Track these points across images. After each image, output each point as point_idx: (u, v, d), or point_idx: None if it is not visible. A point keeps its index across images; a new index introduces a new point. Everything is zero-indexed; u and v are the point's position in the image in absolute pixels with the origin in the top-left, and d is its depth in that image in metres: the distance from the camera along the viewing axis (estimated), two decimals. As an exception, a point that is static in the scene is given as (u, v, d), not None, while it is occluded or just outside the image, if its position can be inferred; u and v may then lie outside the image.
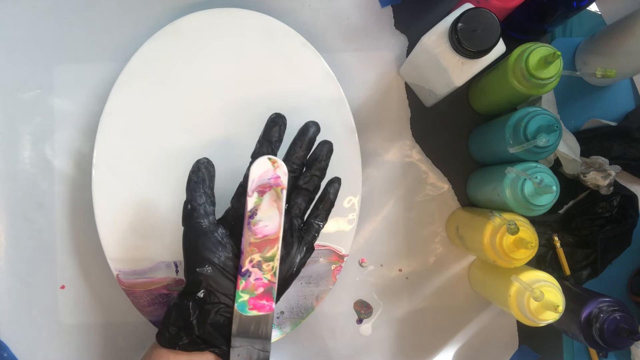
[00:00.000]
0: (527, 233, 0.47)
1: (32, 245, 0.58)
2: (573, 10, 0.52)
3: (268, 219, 0.45)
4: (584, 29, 0.62)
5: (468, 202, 0.60)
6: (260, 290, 0.45)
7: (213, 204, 0.47)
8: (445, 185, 0.60)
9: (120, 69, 0.55)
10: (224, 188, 0.56)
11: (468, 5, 0.46)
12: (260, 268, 0.45)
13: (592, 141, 0.59)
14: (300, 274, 0.55)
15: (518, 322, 0.60)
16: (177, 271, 0.55)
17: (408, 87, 0.60)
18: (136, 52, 0.55)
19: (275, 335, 0.55)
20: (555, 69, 0.46)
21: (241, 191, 0.48)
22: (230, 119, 0.56)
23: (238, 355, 0.44)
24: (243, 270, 0.45)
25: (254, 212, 0.45)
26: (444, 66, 0.48)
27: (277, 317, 0.56)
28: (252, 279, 0.45)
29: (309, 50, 0.56)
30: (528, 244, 0.46)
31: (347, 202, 0.56)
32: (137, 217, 0.55)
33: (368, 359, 0.59)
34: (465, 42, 0.46)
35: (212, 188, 0.48)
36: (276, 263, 0.45)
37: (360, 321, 0.59)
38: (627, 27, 0.53)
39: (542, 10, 0.53)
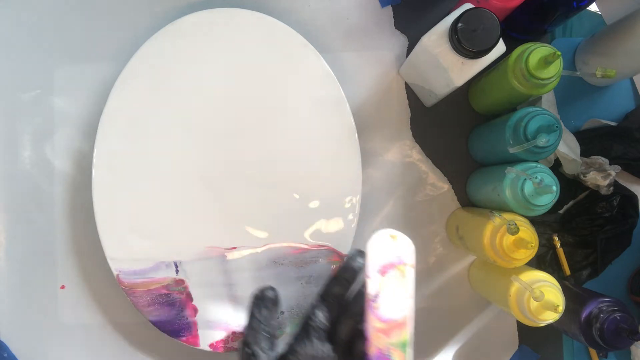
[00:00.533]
0: (527, 233, 0.47)
1: (32, 245, 0.58)
2: (573, 10, 0.52)
3: (394, 301, 0.41)
4: (584, 29, 0.62)
5: (468, 202, 0.60)
6: None
7: (275, 344, 0.43)
8: (445, 185, 0.60)
9: (120, 69, 0.55)
10: (223, 188, 0.56)
11: (468, 5, 0.46)
12: (389, 355, 0.41)
13: (592, 141, 0.59)
14: (300, 274, 0.56)
15: (518, 322, 0.60)
16: (177, 271, 0.55)
17: (408, 87, 0.60)
18: (136, 52, 0.55)
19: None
20: (555, 69, 0.46)
21: (304, 335, 0.43)
22: (230, 118, 0.56)
23: None
24: (370, 357, 0.41)
25: (376, 296, 0.41)
26: (444, 66, 0.48)
27: (277, 317, 0.55)
28: None
29: (309, 50, 0.56)
30: (528, 244, 0.46)
31: (347, 202, 0.56)
32: (137, 217, 0.55)
33: (368, 359, 0.59)
34: (465, 42, 0.46)
35: (275, 327, 0.43)
36: (408, 349, 0.41)
37: (360, 321, 0.59)
38: (627, 27, 0.53)
39: (542, 10, 0.53)
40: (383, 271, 0.42)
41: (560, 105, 0.60)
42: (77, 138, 0.58)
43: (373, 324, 0.41)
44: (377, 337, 0.41)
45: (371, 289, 0.41)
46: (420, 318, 0.59)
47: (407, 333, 0.41)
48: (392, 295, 0.41)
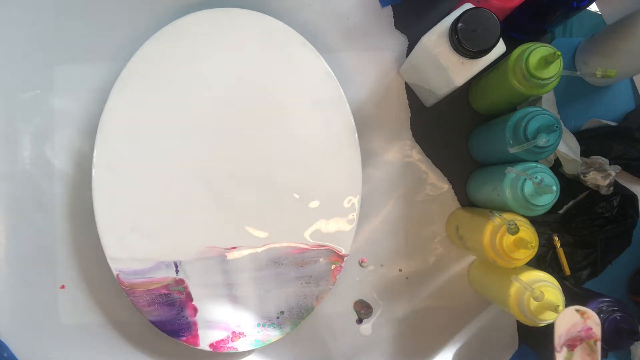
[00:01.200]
0: (527, 233, 0.47)
1: (32, 245, 0.58)
2: (573, 10, 0.52)
3: None
4: (584, 29, 0.62)
5: (468, 202, 0.60)
6: None
7: None
8: (445, 185, 0.60)
9: (120, 69, 0.55)
10: (223, 187, 0.56)
11: (468, 5, 0.46)
12: None
13: (592, 141, 0.59)
14: (300, 274, 0.56)
15: (518, 322, 0.60)
16: (177, 271, 0.55)
17: (408, 87, 0.60)
18: (136, 52, 0.55)
19: (275, 335, 0.55)
20: (555, 69, 0.46)
21: None
22: (230, 118, 0.56)
23: None
24: None
25: None
26: (444, 66, 0.48)
27: (277, 317, 0.56)
28: None
29: (309, 50, 0.56)
30: (528, 244, 0.46)
31: (347, 202, 0.56)
32: (137, 217, 0.55)
33: (368, 359, 0.59)
34: (465, 42, 0.46)
35: None
36: None
37: (360, 321, 0.59)
38: (627, 27, 0.53)
39: (542, 10, 0.53)
40: (571, 345, 0.44)
41: (560, 105, 0.60)
42: (77, 138, 0.58)
43: None
44: None
45: None
46: (421, 318, 0.59)
47: None
48: None
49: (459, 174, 0.60)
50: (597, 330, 0.43)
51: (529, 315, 0.46)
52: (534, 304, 0.46)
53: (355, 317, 0.59)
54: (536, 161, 0.49)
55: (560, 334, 0.44)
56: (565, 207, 0.60)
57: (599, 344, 0.43)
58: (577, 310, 0.44)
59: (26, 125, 0.58)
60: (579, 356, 0.43)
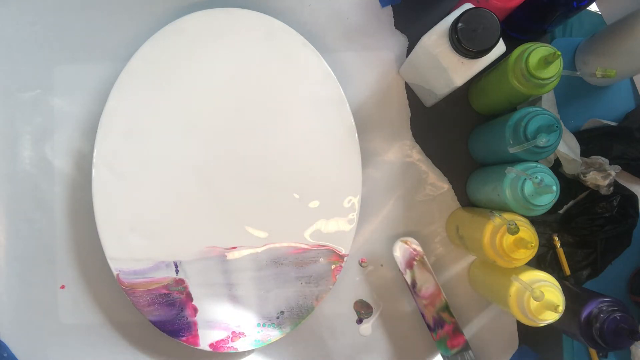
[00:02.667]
0: (527, 233, 0.47)
1: (32, 245, 0.58)
2: (573, 10, 0.52)
3: (426, 281, 0.57)
4: (584, 29, 0.62)
5: (468, 202, 0.60)
6: (450, 331, 0.57)
7: None
8: (445, 185, 0.60)
9: (120, 69, 0.55)
10: (223, 187, 0.56)
11: (468, 5, 0.46)
12: (440, 317, 0.57)
13: (592, 141, 0.59)
14: (300, 274, 0.56)
15: (518, 322, 0.60)
16: (177, 271, 0.55)
17: (408, 87, 0.60)
18: (136, 52, 0.55)
19: (275, 335, 0.55)
20: (555, 69, 0.46)
21: None
22: (230, 118, 0.56)
23: None
24: (431, 325, 0.57)
25: (413, 283, 0.57)
26: (444, 66, 0.48)
27: (277, 317, 0.56)
28: (439, 327, 0.57)
29: (309, 50, 0.56)
30: (528, 244, 0.46)
31: (347, 202, 0.56)
32: (137, 217, 0.55)
33: (368, 359, 0.59)
34: (466, 42, 0.46)
35: None
36: (450, 309, 0.57)
37: (360, 321, 0.59)
38: (627, 27, 0.53)
39: (542, 10, 0.53)
40: (410, 265, 0.57)
41: (560, 105, 0.60)
42: (77, 138, 0.58)
43: (422, 303, 0.56)
44: (428, 310, 0.56)
45: (409, 280, 0.57)
46: (421, 318, 0.59)
47: (443, 297, 0.57)
48: (423, 278, 0.57)
49: (459, 174, 0.60)
50: (418, 248, 0.56)
51: (529, 315, 0.46)
52: (534, 304, 0.46)
53: (355, 317, 0.59)
54: (536, 161, 0.49)
55: (400, 261, 0.56)
56: (565, 207, 0.60)
57: (425, 258, 0.56)
58: (402, 241, 0.56)
59: (26, 125, 0.58)
60: (418, 270, 0.56)
